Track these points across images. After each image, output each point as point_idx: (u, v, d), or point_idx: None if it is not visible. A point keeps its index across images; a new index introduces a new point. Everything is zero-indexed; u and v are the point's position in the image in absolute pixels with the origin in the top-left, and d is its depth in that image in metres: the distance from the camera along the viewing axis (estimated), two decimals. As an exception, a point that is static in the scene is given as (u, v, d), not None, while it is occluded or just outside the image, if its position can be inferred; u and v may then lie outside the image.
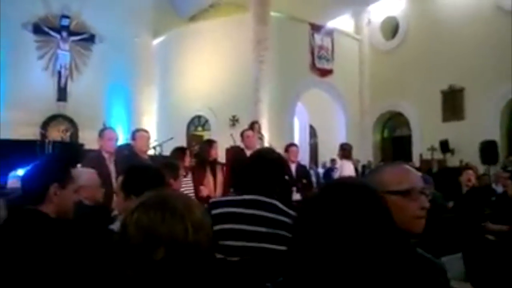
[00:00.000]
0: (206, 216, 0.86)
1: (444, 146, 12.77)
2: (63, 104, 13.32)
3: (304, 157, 11.68)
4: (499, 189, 6.22)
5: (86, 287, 1.40)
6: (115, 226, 1.82)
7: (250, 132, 5.88)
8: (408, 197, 1.28)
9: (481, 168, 10.62)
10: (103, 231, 1.76)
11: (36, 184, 1.67)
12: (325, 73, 13.60)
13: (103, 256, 1.28)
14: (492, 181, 8.06)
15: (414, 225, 1.29)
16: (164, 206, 0.82)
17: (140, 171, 2.05)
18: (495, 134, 11.92)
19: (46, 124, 12.82)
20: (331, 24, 14.47)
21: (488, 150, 11.32)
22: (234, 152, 6.04)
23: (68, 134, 12.84)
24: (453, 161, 12.32)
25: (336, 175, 6.38)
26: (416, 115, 14.05)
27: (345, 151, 6.40)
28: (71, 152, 5.80)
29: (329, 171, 10.94)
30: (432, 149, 12.83)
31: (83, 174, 2.47)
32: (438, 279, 1.30)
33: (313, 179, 9.86)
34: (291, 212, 1.92)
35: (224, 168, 5.42)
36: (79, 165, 3.64)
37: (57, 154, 5.01)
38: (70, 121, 13.31)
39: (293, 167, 5.52)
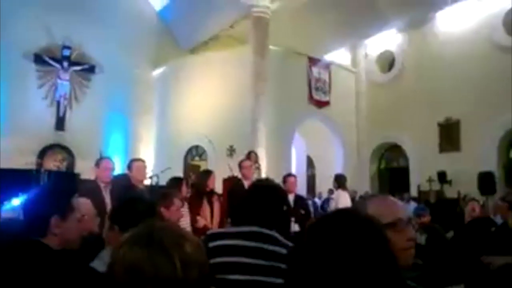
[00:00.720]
0: (199, 250, 0.81)
1: (442, 177, 12.76)
2: (61, 133, 13.34)
3: (301, 188, 11.62)
4: (498, 219, 6.18)
5: None
6: (97, 263, 1.79)
7: (247, 162, 5.88)
8: (393, 229, 1.26)
9: (480, 199, 10.57)
10: (84, 268, 1.71)
11: (36, 217, 1.64)
12: (322, 104, 13.75)
13: None
14: (490, 212, 8.00)
15: (402, 257, 1.25)
16: (150, 241, 0.78)
17: (129, 203, 2.03)
18: (492, 165, 11.95)
19: (43, 153, 12.78)
20: (328, 57, 14.73)
21: (485, 181, 11.31)
22: (231, 183, 6.02)
23: (65, 163, 12.80)
24: (451, 192, 12.28)
25: (332, 205, 6.35)
26: (413, 147, 14.11)
27: (340, 182, 6.40)
28: (66, 182, 5.75)
29: (326, 201, 10.89)
30: (430, 180, 12.81)
31: (83, 204, 2.44)
32: None
33: (311, 209, 9.80)
34: (290, 244, 1.89)
35: (221, 199, 5.38)
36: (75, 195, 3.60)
37: (54, 184, 4.96)
38: (67, 150, 13.29)
39: (291, 197, 5.48)
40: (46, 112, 13.24)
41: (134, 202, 2.06)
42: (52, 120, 13.33)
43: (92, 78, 14.14)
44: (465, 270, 3.57)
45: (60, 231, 1.64)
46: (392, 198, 1.42)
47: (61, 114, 13.50)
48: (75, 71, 13.84)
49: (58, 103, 13.52)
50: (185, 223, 4.33)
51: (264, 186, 2.13)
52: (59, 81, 13.61)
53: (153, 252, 0.76)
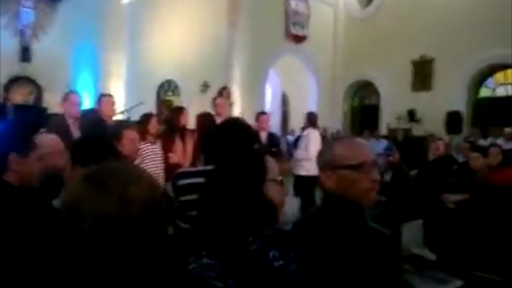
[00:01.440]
0: (147, 189, 0.81)
1: (411, 115, 13.06)
2: (27, 65, 12.74)
3: (275, 125, 11.73)
4: (461, 158, 6.47)
5: (29, 264, 1.38)
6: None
7: (221, 100, 5.85)
8: (359, 170, 1.32)
9: (446, 138, 10.97)
10: (46, 207, 1.71)
11: None
12: (299, 39, 13.47)
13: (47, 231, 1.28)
14: (453, 151, 8.34)
15: (366, 198, 1.33)
16: (93, 179, 0.79)
17: (89, 141, 2.01)
18: (461, 105, 12.26)
19: (8, 86, 12.29)
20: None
21: (452, 120, 11.69)
22: (204, 120, 5.98)
23: (32, 97, 12.38)
24: (418, 131, 12.64)
25: (302, 144, 6.47)
26: (386, 85, 14.22)
27: (311, 120, 6.49)
28: (33, 117, 5.60)
29: (298, 139, 11.03)
30: (399, 118, 13.10)
31: (44, 140, 2.35)
32: (386, 248, 1.38)
33: (284, 147, 9.95)
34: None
35: (195, 135, 5.38)
36: (42, 130, 3.52)
37: (17, 119, 4.81)
38: (34, 83, 12.80)
39: (263, 135, 5.53)
40: (9, 43, 12.50)
41: (94, 141, 2.04)
42: (16, 51, 12.66)
43: (58, 7, 13.30)
44: (423, 207, 3.78)
45: (20, 168, 1.60)
46: (359, 140, 1.47)
47: (25, 44, 12.82)
48: (39, -3, 12.97)
49: (23, 32, 12.78)
50: (157, 159, 4.35)
51: (230, 125, 2.13)
52: (21, 8, 12.77)
53: (92, 189, 0.78)
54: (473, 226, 3.65)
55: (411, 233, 2.75)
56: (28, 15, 12.84)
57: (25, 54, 12.78)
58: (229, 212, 1.16)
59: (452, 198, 4.03)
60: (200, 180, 1.94)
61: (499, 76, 12.60)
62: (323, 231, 1.29)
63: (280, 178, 1.92)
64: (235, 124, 2.15)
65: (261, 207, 1.18)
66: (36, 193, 1.69)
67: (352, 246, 1.26)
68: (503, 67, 12.22)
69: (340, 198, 1.33)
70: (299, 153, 6.42)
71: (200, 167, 2.12)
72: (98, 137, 2.26)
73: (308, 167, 6.30)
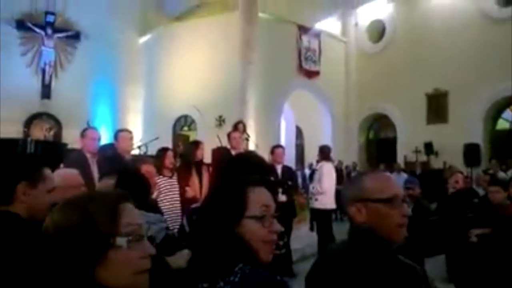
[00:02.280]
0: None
1: (428, 148, 12.93)
2: (47, 102, 13.11)
3: (290, 159, 11.70)
4: (481, 191, 6.32)
5: None
6: None
7: (236, 134, 5.91)
8: (390, 205, 1.28)
9: (464, 171, 10.78)
10: None
11: (1, 182, 1.57)
12: (312, 74, 13.65)
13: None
14: (473, 184, 8.18)
15: (396, 234, 1.29)
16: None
17: (129, 176, 2.01)
18: (478, 137, 12.12)
19: (29, 122, 12.61)
20: (318, 26, 14.53)
21: (471, 152, 11.52)
22: (220, 153, 6.01)
23: (52, 132, 12.64)
24: (437, 163, 12.48)
25: (316, 177, 6.40)
26: (401, 118, 14.20)
27: (324, 153, 6.45)
28: (53, 152, 5.70)
29: (313, 172, 10.96)
30: (417, 151, 12.98)
31: (59, 174, 2.36)
32: (419, 284, 1.32)
33: (300, 180, 9.89)
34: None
35: (210, 169, 5.39)
36: (61, 165, 3.58)
37: (29, 151, 4.90)
38: (54, 119, 13.11)
39: (278, 168, 5.52)
40: (31, 80, 12.96)
41: (133, 176, 2.03)
42: (37, 88, 13.07)
43: (78, 45, 13.80)
44: (446, 242, 3.67)
45: (28, 199, 1.57)
46: (388, 174, 1.43)
47: (46, 82, 13.23)
48: (60, 37, 13.48)
49: (43, 70, 13.23)
50: (174, 193, 4.35)
51: (241, 159, 2.12)
52: (43, 48, 13.27)
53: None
54: (496, 261, 3.52)
55: (435, 268, 2.66)
56: (49, 54, 13.32)
57: (46, 91, 13.18)
58: (200, 253, 1.10)
59: (475, 231, 3.92)
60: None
61: (516, 108, 12.49)
62: (354, 267, 1.23)
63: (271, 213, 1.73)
64: (244, 157, 2.14)
65: (231, 249, 1.05)
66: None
67: (386, 283, 1.21)
68: (520, 99, 12.13)
69: (370, 232, 1.28)
70: (313, 187, 6.37)
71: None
72: (136, 171, 2.26)
73: (324, 200, 6.23)
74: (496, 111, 12.65)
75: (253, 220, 1.08)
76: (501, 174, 8.55)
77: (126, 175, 1.89)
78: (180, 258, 1.71)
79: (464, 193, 4.79)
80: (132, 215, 0.91)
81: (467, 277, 3.28)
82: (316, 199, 6.24)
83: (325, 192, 6.20)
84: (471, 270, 3.44)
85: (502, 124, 12.78)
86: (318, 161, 6.65)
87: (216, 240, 1.06)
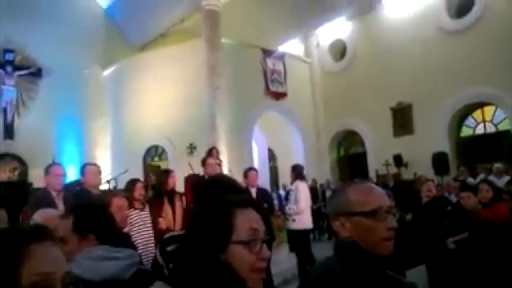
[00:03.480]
0: None
1: (398, 160, 13.17)
2: (10, 142, 12.67)
3: (264, 181, 11.65)
4: (453, 198, 6.44)
5: None
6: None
7: (211, 160, 5.87)
8: (374, 218, 1.23)
9: (435, 180, 11.00)
10: None
11: None
12: (279, 96, 13.79)
13: None
14: (444, 191, 8.33)
15: (382, 248, 1.23)
16: None
17: (89, 210, 1.90)
18: (444, 146, 12.45)
19: (-9, 164, 12.12)
20: (281, 48, 14.79)
21: (439, 161, 11.79)
22: (193, 180, 5.91)
23: (16, 173, 12.17)
24: (407, 174, 12.71)
25: (292, 197, 6.37)
26: (369, 132, 14.47)
27: (297, 172, 6.44)
28: (17, 192, 5.46)
29: (288, 193, 10.96)
30: (387, 164, 13.19)
31: (39, 214, 2.29)
32: None
33: (276, 202, 9.84)
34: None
35: (183, 198, 5.28)
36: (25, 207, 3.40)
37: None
38: (19, 159, 12.66)
39: (253, 191, 5.46)
40: (-8, 120, 12.55)
41: (94, 210, 1.92)
42: (-1, 129, 12.65)
43: (40, 82, 13.50)
44: (425, 252, 3.68)
45: None
46: (372, 184, 1.37)
47: (8, 121, 12.82)
48: (20, 75, 13.16)
49: (5, 110, 12.83)
50: (146, 226, 4.21)
51: (211, 183, 2.06)
52: (3, 87, 12.90)
53: None
54: (476, 266, 3.55)
55: (416, 279, 2.64)
56: (10, 92, 12.96)
57: (8, 131, 12.75)
58: (184, 283, 0.98)
59: (453, 239, 3.95)
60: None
61: (477, 114, 12.93)
62: (342, 284, 1.17)
63: (259, 237, 1.57)
64: (222, 180, 2.08)
65: (216, 278, 0.95)
66: None
67: None
68: (480, 105, 12.58)
69: (355, 247, 1.23)
70: (290, 207, 6.32)
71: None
72: (97, 205, 2.12)
73: (302, 220, 6.19)
74: (459, 119, 13.06)
75: (240, 246, 0.98)
76: (470, 180, 8.74)
77: (84, 210, 1.77)
78: None
79: (437, 201, 4.86)
80: (41, 260, 0.71)
81: (448, 285, 3.27)
82: (293, 220, 6.18)
83: (302, 211, 6.16)
84: (452, 277, 3.44)
85: (466, 131, 13.19)
86: (292, 181, 6.62)
87: (199, 269, 0.96)
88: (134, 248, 3.00)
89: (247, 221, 1.02)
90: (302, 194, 6.21)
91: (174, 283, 1.01)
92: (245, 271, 0.98)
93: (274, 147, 15.42)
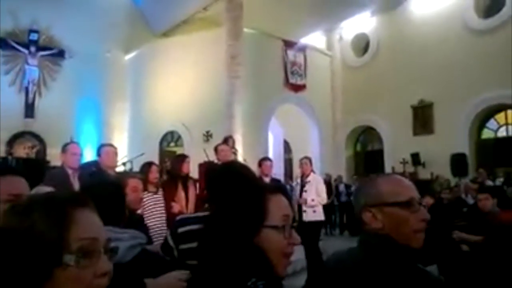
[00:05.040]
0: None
1: (415, 159, 12.98)
2: (31, 120, 12.91)
3: (279, 172, 11.63)
4: (470, 200, 6.32)
5: None
6: None
7: (224, 146, 5.80)
8: (407, 208, 1.20)
9: (452, 180, 10.85)
10: None
11: None
12: (298, 88, 13.69)
13: None
14: (462, 193, 8.20)
15: (414, 239, 1.20)
16: None
17: (98, 185, 1.89)
18: (464, 147, 12.21)
19: (12, 141, 12.37)
20: (303, 40, 14.65)
21: (458, 162, 11.59)
22: (207, 167, 5.92)
23: (34, 151, 12.41)
24: (424, 174, 12.53)
25: (312, 188, 6.32)
26: (388, 129, 14.28)
27: (311, 164, 6.50)
28: (33, 169, 5.56)
29: (304, 184, 10.91)
30: (404, 162, 13.02)
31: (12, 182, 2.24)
32: None
33: (289, 193, 9.81)
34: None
35: (197, 184, 5.29)
36: (41, 184, 3.45)
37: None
38: (38, 138, 12.89)
39: (267, 181, 5.45)
40: (15, 99, 12.77)
41: (103, 185, 1.92)
42: (21, 107, 12.88)
43: (62, 63, 13.68)
44: (438, 251, 3.62)
45: None
46: (400, 176, 1.34)
47: (30, 100, 13.05)
48: (43, 56, 13.36)
49: (27, 89, 13.06)
50: (160, 209, 4.24)
51: (229, 167, 2.04)
52: (27, 66, 13.12)
53: None
54: (489, 268, 3.48)
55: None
56: (32, 72, 13.18)
57: (29, 110, 12.99)
58: (214, 265, 1.00)
59: (463, 236, 3.87)
60: (198, 227, 1.85)
61: (500, 117, 12.64)
62: (371, 277, 1.13)
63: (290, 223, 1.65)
64: (234, 167, 2.06)
65: (248, 260, 0.97)
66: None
67: None
68: (503, 108, 12.29)
69: (388, 239, 1.19)
70: (312, 199, 6.29)
71: (200, 213, 2.02)
72: (106, 184, 2.12)
73: (319, 211, 6.20)
74: (481, 121, 12.79)
75: (273, 230, 1.00)
76: (489, 183, 8.58)
77: (89, 188, 1.76)
78: (168, 278, 1.61)
79: (454, 202, 4.78)
80: (86, 225, 0.73)
81: (459, 285, 3.22)
82: (314, 211, 6.18)
83: (316, 204, 6.18)
84: (464, 279, 3.38)
85: (487, 134, 12.91)
86: (307, 173, 6.51)
87: (232, 251, 0.97)
88: (146, 230, 3.02)
89: (279, 206, 1.04)
90: (323, 185, 6.31)
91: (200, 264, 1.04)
92: (276, 255, 1.00)
93: (290, 139, 15.36)
